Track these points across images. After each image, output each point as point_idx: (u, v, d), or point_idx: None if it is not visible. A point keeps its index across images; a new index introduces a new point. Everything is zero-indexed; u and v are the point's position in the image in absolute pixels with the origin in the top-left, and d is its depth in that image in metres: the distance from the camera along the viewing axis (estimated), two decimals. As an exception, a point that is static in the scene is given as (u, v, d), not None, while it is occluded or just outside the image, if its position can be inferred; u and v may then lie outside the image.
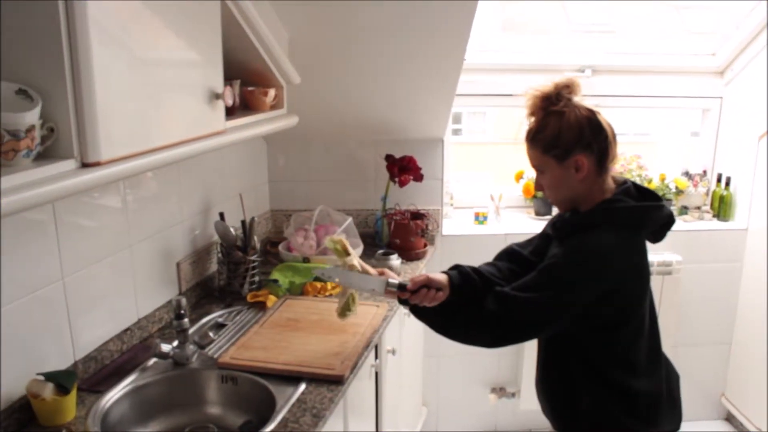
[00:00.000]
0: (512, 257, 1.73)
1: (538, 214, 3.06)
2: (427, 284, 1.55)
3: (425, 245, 2.61)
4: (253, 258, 2.17)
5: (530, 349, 2.64)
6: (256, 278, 2.20)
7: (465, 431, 3.11)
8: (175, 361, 1.69)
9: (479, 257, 1.80)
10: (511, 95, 2.91)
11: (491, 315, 1.47)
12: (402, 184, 2.62)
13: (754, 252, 2.92)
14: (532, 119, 1.52)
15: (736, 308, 3.05)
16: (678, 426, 1.60)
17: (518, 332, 1.52)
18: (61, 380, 1.41)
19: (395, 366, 2.24)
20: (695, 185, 3.07)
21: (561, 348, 1.56)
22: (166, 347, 1.65)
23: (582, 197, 1.51)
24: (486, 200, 3.04)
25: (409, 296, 1.56)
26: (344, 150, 2.79)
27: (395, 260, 2.37)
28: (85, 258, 1.60)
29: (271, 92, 2.10)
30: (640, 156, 3.15)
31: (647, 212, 1.49)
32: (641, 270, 1.51)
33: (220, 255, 2.17)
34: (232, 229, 2.14)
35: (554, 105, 1.48)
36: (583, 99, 1.50)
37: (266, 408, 1.51)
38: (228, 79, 1.77)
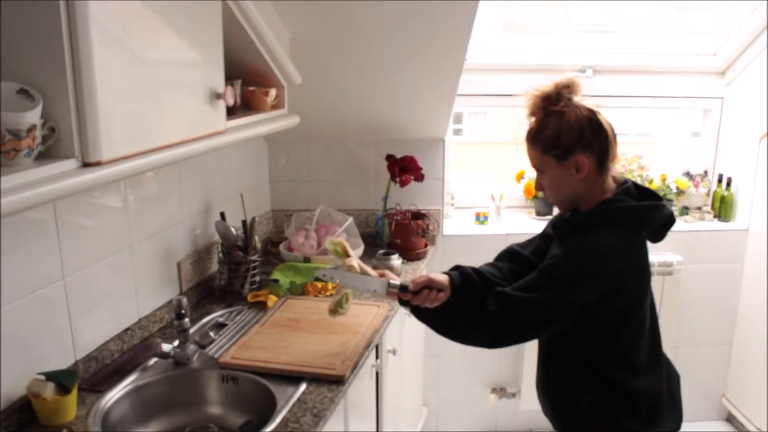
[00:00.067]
0: (513, 257, 1.73)
1: (538, 214, 3.06)
2: (429, 285, 1.55)
3: (426, 245, 2.61)
4: (253, 258, 2.17)
5: (531, 349, 2.65)
6: (257, 278, 2.20)
7: (465, 431, 3.11)
8: (176, 361, 1.69)
9: (480, 257, 1.80)
10: (511, 95, 2.91)
11: (492, 315, 1.47)
12: (403, 184, 2.62)
13: (754, 252, 2.91)
14: (533, 119, 1.52)
15: (736, 309, 3.04)
16: (679, 426, 1.60)
17: (519, 332, 1.52)
18: (61, 380, 1.41)
19: (396, 366, 2.24)
20: (696, 186, 3.07)
21: (561, 348, 1.56)
22: (166, 347, 1.65)
23: (582, 197, 1.51)
24: (487, 200, 3.04)
25: (411, 297, 1.56)
26: (345, 150, 2.79)
27: (396, 260, 2.37)
28: (85, 258, 1.60)
29: (272, 92, 2.10)
30: (641, 156, 3.15)
31: (648, 212, 1.49)
32: (642, 270, 1.51)
33: (220, 255, 2.18)
34: (233, 229, 2.14)
35: (554, 105, 1.48)
36: (584, 99, 1.50)
37: (267, 408, 1.51)
38: (229, 78, 1.77)
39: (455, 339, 1.57)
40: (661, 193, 3.00)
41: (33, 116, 1.08)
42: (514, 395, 3.03)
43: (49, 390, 1.39)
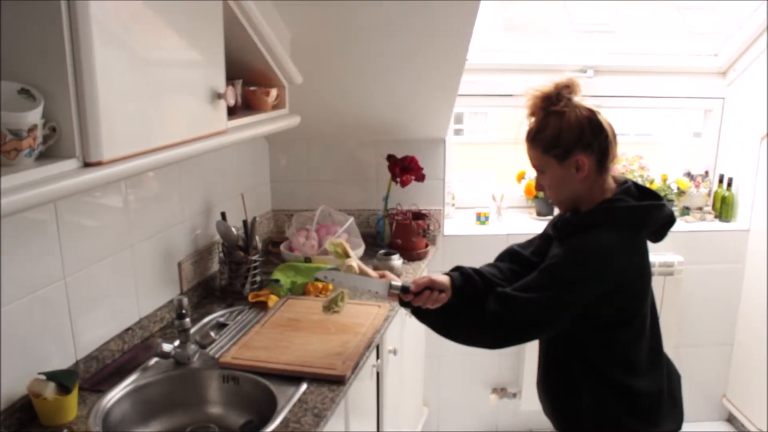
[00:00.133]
0: (513, 258, 1.73)
1: (539, 214, 3.06)
2: (430, 286, 1.55)
3: (427, 245, 2.61)
4: (254, 258, 2.17)
5: (531, 349, 2.65)
6: (258, 278, 2.20)
7: (466, 431, 3.11)
8: (177, 361, 1.69)
9: (481, 257, 1.80)
10: (512, 95, 2.91)
11: (493, 316, 1.47)
12: (404, 184, 2.62)
13: (755, 253, 2.91)
14: (533, 119, 1.52)
15: (737, 309, 3.04)
16: (679, 426, 1.59)
17: (519, 333, 1.52)
18: (62, 380, 1.41)
19: (396, 366, 2.24)
20: (697, 186, 3.07)
21: (562, 348, 1.56)
22: (167, 347, 1.65)
23: (582, 197, 1.51)
24: (488, 200, 3.04)
25: (413, 299, 1.55)
26: (346, 150, 2.79)
27: (397, 260, 2.37)
28: (86, 258, 1.60)
29: (273, 92, 2.10)
30: (642, 156, 3.15)
31: (648, 211, 1.49)
32: (642, 270, 1.51)
33: (221, 255, 2.18)
34: (233, 229, 2.14)
35: (554, 105, 1.48)
36: (584, 99, 1.50)
37: (267, 408, 1.51)
38: (230, 78, 1.77)
39: (456, 339, 1.57)
40: (662, 194, 3.00)
41: (34, 116, 1.09)
42: (514, 395, 3.02)
43: (49, 390, 1.39)
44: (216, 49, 1.64)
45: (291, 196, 2.82)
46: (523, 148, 1.56)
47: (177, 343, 1.68)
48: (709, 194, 3.08)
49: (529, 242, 1.74)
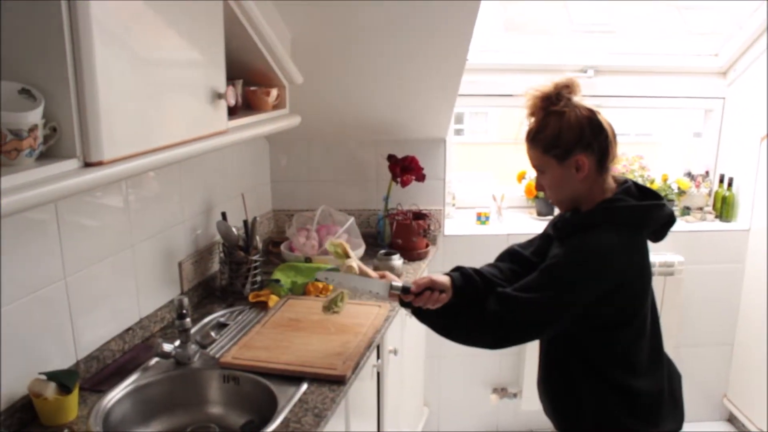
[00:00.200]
0: (514, 258, 1.73)
1: (540, 214, 3.06)
2: (431, 286, 1.55)
3: (427, 245, 2.61)
4: (255, 258, 2.17)
5: (532, 349, 2.65)
6: (258, 278, 2.20)
7: (466, 431, 3.11)
8: (177, 361, 1.69)
9: (481, 257, 1.80)
10: (512, 95, 2.91)
11: (493, 316, 1.47)
12: (404, 184, 2.62)
13: (756, 253, 2.91)
14: (532, 119, 1.52)
15: (738, 309, 3.04)
16: (680, 426, 1.59)
17: (520, 333, 1.51)
18: (63, 380, 1.41)
19: (397, 366, 2.24)
20: (697, 186, 3.07)
21: (562, 348, 1.56)
22: (168, 347, 1.65)
23: (583, 197, 1.51)
24: (488, 200, 3.04)
25: (413, 299, 1.55)
26: (346, 150, 2.79)
27: (397, 260, 2.36)
28: (86, 258, 1.60)
29: (274, 92, 2.10)
30: (643, 156, 3.16)
31: (648, 211, 1.49)
32: (642, 269, 1.51)
33: (222, 255, 2.18)
34: (234, 229, 2.14)
35: (554, 105, 1.48)
36: (584, 99, 1.50)
37: (268, 408, 1.51)
38: (230, 78, 1.77)
39: (456, 340, 1.57)
40: (663, 194, 3.00)
41: (35, 116, 1.09)
42: (515, 395, 3.02)
43: (50, 390, 1.39)
44: (216, 49, 1.64)
45: (291, 196, 2.82)
46: (523, 148, 1.56)
47: (177, 343, 1.68)
48: (709, 194, 3.08)
49: (530, 242, 1.74)
